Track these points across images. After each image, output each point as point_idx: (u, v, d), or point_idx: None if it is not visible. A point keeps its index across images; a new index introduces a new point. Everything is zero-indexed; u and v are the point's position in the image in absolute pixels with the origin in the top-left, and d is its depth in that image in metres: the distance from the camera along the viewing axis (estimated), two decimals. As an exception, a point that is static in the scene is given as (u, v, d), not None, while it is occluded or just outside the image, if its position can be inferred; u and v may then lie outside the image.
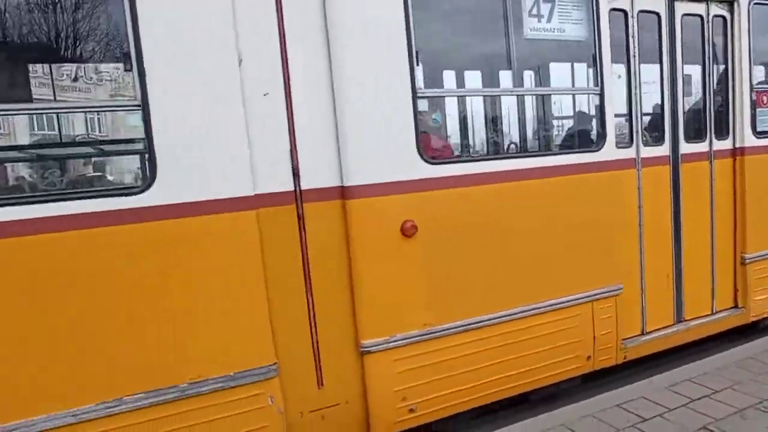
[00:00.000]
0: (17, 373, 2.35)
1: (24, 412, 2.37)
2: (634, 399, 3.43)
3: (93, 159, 2.72)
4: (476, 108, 3.66)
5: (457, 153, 3.56)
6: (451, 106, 3.58)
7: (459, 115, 3.67)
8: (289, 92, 2.82)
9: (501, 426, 3.34)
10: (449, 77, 3.49)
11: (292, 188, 2.85)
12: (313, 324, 2.96)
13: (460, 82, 3.53)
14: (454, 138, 3.60)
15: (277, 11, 2.76)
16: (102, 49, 2.47)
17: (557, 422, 3.22)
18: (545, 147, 3.72)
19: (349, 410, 3.10)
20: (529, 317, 3.41)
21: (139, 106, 2.48)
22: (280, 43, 2.78)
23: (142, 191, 2.51)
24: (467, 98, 3.67)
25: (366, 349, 3.03)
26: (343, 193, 2.94)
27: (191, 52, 2.54)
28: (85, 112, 2.62)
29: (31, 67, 2.55)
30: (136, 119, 2.49)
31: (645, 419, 3.21)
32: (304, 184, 2.87)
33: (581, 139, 3.82)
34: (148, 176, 2.52)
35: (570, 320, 3.56)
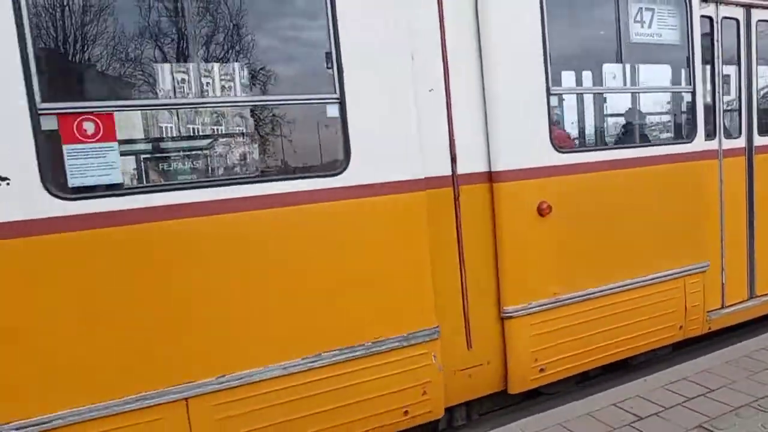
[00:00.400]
0: (246, 331, 2.74)
1: (248, 365, 2.75)
2: (630, 398, 3.44)
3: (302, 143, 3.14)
4: (591, 103, 4.10)
5: (576, 143, 4.00)
6: (570, 101, 4.00)
7: (577, 110, 4.11)
8: (448, 89, 3.22)
9: (498, 424, 3.48)
10: (570, 76, 3.93)
11: (450, 173, 3.26)
12: (464, 292, 3.36)
13: (579, 80, 3.98)
14: (573, 130, 4.02)
15: (440, 20, 3.17)
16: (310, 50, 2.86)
17: (554, 421, 3.24)
18: (648, 139, 4.16)
19: (490, 370, 3.51)
20: (636, 289, 3.85)
21: (337, 99, 2.87)
22: (441, 46, 3.19)
23: (340, 173, 2.90)
24: (583, 94, 4.09)
25: (507, 315, 3.44)
26: (490, 177, 3.35)
27: (377, 53, 2.93)
28: (293, 104, 2.98)
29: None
30: (333, 110, 2.88)
31: (641, 418, 3.21)
32: (460, 169, 3.27)
33: (676, 132, 4.27)
34: (343, 161, 2.91)
35: (668, 293, 4.00)
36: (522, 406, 3.91)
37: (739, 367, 3.78)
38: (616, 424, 3.16)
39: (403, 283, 3.08)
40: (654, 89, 4.13)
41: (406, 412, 3.16)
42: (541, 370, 3.57)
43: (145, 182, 3.07)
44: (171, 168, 3.00)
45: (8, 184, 2.32)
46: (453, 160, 3.25)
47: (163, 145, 3.07)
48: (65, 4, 2.39)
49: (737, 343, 4.21)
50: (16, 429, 2.39)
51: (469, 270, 3.35)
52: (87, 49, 2.54)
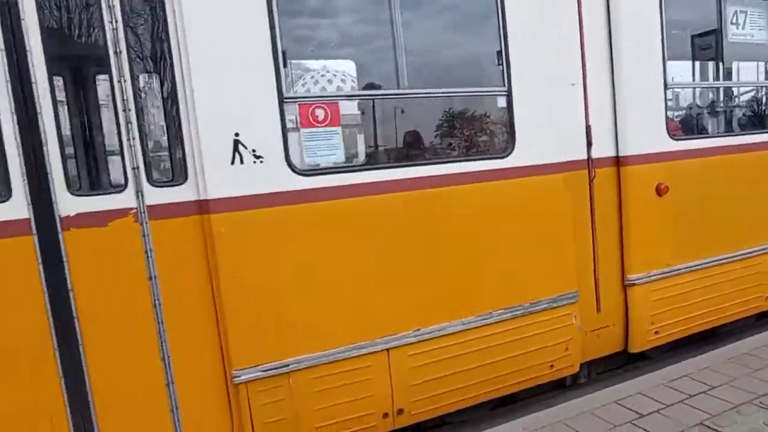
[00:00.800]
0: (434, 290, 3.18)
1: (436, 320, 3.20)
2: (631, 395, 3.45)
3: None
4: (697, 96, 4.58)
5: (682, 132, 4.48)
6: (681, 94, 4.49)
7: (686, 102, 4.60)
8: (585, 84, 3.67)
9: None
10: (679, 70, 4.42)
11: (586, 157, 3.71)
12: (595, 260, 3.81)
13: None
14: (682, 119, 4.51)
15: (579, 24, 3.61)
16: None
17: (555, 419, 3.27)
18: (744, 127, 4.64)
19: (614, 332, 3.96)
20: (733, 262, 4.31)
21: (506, 92, 3.32)
22: (581, 46, 3.63)
23: (506, 156, 3.35)
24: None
25: (630, 282, 3.90)
26: (617, 161, 3.81)
27: (536, 52, 3.38)
28: (467, 96, 3.46)
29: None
30: (502, 102, 3.33)
31: (642, 415, 3.21)
32: (594, 154, 3.72)
33: (764, 121, 4.76)
34: (509, 145, 3.36)
35: (757, 266, 4.46)
36: (628, 368, 4.37)
37: (741, 364, 3.79)
38: (617, 421, 3.18)
39: (553, 252, 3.53)
40: (751, 84, 4.61)
41: (551, 366, 3.61)
42: (656, 332, 4.03)
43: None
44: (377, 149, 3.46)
45: (262, 161, 2.75)
46: (589, 145, 3.70)
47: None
48: (305, 9, 2.83)
49: (738, 342, 4.28)
50: (263, 371, 2.83)
51: (600, 242, 3.81)
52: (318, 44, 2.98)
